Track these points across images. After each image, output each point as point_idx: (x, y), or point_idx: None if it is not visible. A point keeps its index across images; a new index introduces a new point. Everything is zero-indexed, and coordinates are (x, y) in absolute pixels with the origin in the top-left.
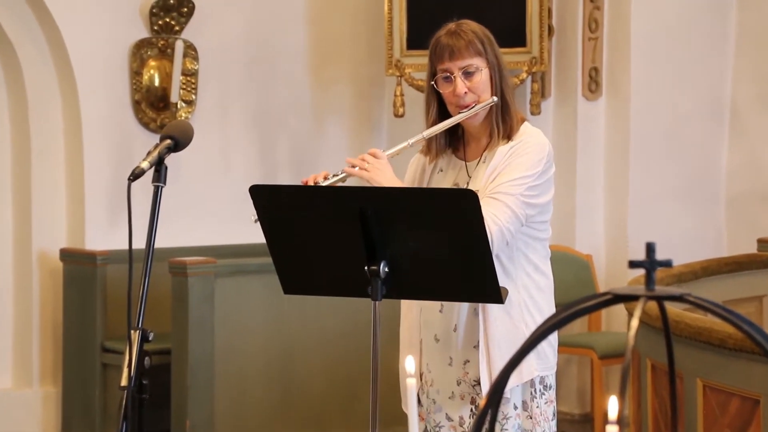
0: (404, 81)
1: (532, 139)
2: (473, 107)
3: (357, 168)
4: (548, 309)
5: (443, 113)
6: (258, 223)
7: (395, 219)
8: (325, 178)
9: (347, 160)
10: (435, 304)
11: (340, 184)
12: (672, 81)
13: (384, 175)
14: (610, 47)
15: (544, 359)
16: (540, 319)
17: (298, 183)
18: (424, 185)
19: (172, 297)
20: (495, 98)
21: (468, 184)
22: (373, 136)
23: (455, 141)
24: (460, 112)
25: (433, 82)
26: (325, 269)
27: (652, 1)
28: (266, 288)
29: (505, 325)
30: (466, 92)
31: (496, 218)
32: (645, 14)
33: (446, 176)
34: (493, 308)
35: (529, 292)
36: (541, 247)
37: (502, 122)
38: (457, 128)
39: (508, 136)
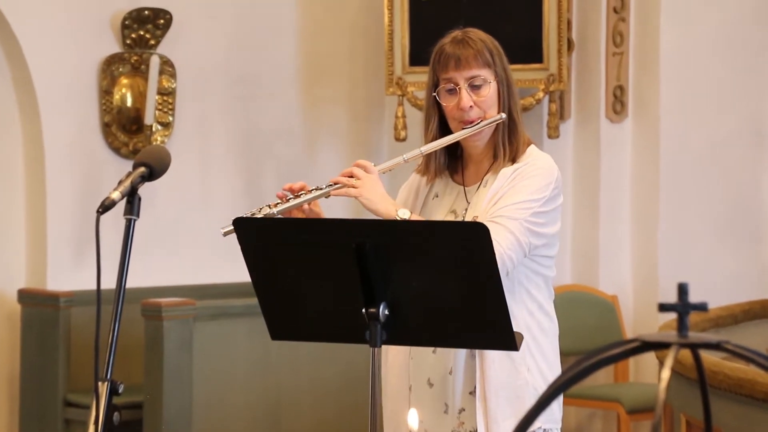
0: (406, 101)
1: (539, 162)
2: (478, 123)
3: (342, 186)
4: (553, 355)
5: (444, 130)
6: (227, 236)
7: (397, 255)
8: (300, 191)
9: (332, 180)
10: None
11: (322, 198)
12: (707, 101)
13: (375, 193)
14: (637, 63)
15: (548, 411)
16: (544, 365)
17: (272, 201)
18: (417, 211)
19: (144, 343)
20: (503, 115)
21: (466, 211)
22: (372, 162)
23: (453, 163)
24: (463, 128)
25: (434, 94)
26: (317, 312)
27: (684, 12)
28: (251, 333)
29: (505, 368)
30: (471, 106)
31: (496, 243)
32: (676, 26)
33: (442, 202)
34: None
35: (531, 333)
36: (545, 285)
37: (508, 143)
38: (455, 149)
39: (513, 159)
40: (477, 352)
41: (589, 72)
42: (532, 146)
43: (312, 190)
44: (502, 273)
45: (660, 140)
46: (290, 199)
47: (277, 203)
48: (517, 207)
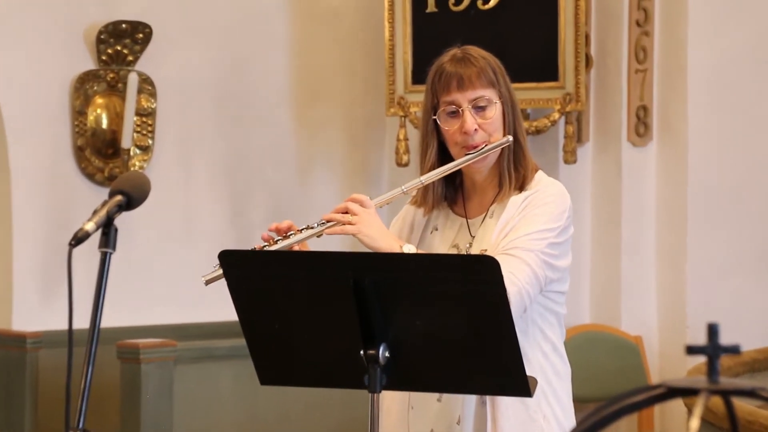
0: (409, 122)
1: (551, 189)
2: (483, 148)
3: (337, 224)
4: (567, 401)
5: (443, 157)
6: (208, 285)
7: (398, 292)
8: (288, 232)
9: (324, 217)
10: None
11: (314, 237)
12: (740, 122)
13: (375, 228)
14: (662, 81)
15: None
16: (560, 412)
17: (258, 244)
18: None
19: (121, 389)
20: (509, 138)
21: (470, 245)
22: (371, 190)
23: (452, 193)
24: (466, 154)
25: (434, 118)
26: (311, 354)
27: (714, 24)
28: (238, 378)
29: (520, 417)
30: (476, 129)
31: (513, 278)
32: (705, 40)
33: (443, 236)
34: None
35: (546, 377)
36: (558, 323)
37: (515, 170)
38: (455, 177)
39: (521, 187)
40: (488, 398)
41: (609, 91)
42: (540, 172)
43: (302, 229)
44: (520, 310)
45: (688, 166)
46: (278, 240)
47: (264, 246)
48: (531, 238)
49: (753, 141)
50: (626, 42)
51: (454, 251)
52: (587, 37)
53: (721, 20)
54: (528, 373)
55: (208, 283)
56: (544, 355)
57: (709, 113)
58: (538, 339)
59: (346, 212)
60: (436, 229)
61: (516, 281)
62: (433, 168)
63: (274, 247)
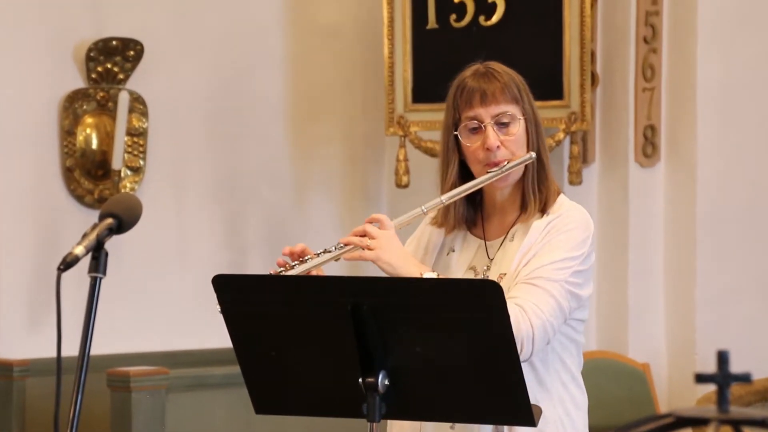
0: (409, 142)
1: (574, 214)
2: (506, 165)
3: (356, 248)
4: None
5: (463, 175)
6: (223, 315)
7: (398, 318)
8: (302, 256)
9: (342, 240)
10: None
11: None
12: (750, 142)
13: (395, 255)
14: (670, 100)
15: None
16: None
17: (273, 269)
18: (429, 268)
19: (111, 419)
20: (533, 154)
21: (488, 268)
22: (369, 212)
23: (472, 213)
24: (488, 172)
25: (456, 134)
26: (308, 382)
27: (724, 41)
28: (232, 406)
29: None
30: (498, 146)
31: (538, 310)
32: (715, 58)
33: (460, 258)
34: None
35: (565, 408)
36: (577, 352)
37: (538, 190)
38: (474, 197)
39: (543, 209)
40: (506, 428)
41: (615, 110)
42: (562, 195)
43: (319, 253)
44: (543, 343)
45: (697, 187)
46: (294, 265)
47: (280, 271)
48: (555, 267)
49: (764, 161)
50: (633, 59)
51: (471, 274)
52: (593, 54)
53: (731, 37)
54: (547, 404)
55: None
56: (563, 385)
57: (718, 133)
58: (557, 369)
59: (364, 235)
60: (453, 251)
61: (540, 314)
62: (454, 186)
63: (291, 272)
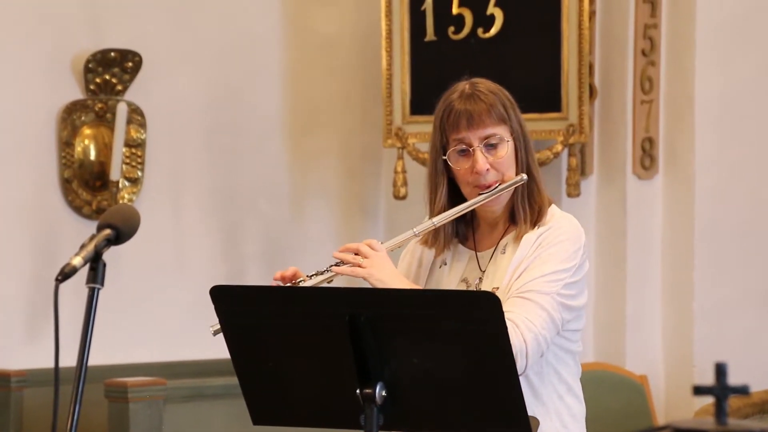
0: (407, 154)
1: (565, 225)
2: (496, 188)
3: (348, 265)
4: None
5: (453, 196)
6: (218, 335)
7: (395, 329)
8: (294, 279)
9: (335, 254)
10: None
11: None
12: (748, 156)
13: (386, 272)
14: (668, 112)
15: None
16: None
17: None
18: (423, 282)
19: (108, 429)
20: (524, 176)
21: (480, 280)
22: (367, 224)
23: (463, 228)
24: (480, 194)
25: (444, 158)
26: (305, 393)
27: (723, 54)
28: (230, 417)
29: None
30: (488, 169)
31: (530, 324)
32: (713, 70)
33: (452, 271)
34: None
35: (562, 420)
36: (573, 362)
37: (529, 206)
38: (465, 213)
39: (534, 223)
40: None
41: (613, 122)
42: (554, 206)
43: (311, 275)
44: (537, 356)
45: (695, 199)
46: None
47: None
48: (546, 279)
49: (762, 174)
50: (631, 72)
51: (463, 286)
52: (591, 66)
53: (730, 50)
54: (543, 417)
55: (216, 333)
56: (559, 397)
57: (717, 145)
58: (553, 381)
59: (357, 254)
60: (445, 264)
61: (532, 327)
62: (444, 208)
63: None
